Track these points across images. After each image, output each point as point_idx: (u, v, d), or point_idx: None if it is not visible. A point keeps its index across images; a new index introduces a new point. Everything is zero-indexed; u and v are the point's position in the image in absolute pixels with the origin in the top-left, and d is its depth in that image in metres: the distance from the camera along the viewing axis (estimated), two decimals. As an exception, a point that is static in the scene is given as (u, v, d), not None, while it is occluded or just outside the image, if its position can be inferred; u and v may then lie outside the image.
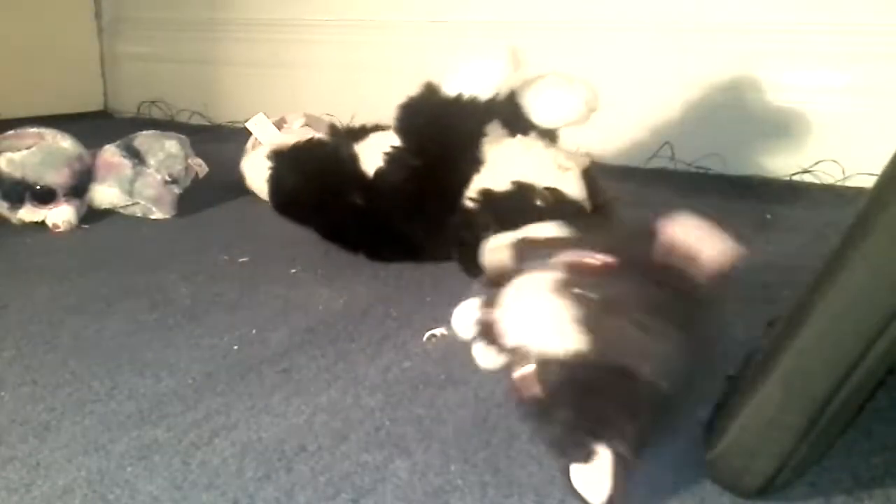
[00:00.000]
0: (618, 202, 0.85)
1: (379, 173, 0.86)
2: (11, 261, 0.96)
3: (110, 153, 1.15)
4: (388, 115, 0.85)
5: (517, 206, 0.79)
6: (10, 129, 1.15)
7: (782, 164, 1.30)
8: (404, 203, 0.84)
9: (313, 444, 0.55)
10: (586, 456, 0.45)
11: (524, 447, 0.53)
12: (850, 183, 1.23)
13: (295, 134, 1.16)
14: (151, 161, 1.14)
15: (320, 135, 1.05)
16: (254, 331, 0.73)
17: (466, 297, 0.56)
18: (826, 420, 0.44)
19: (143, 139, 1.18)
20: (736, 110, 1.35)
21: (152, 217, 1.14)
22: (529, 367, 0.48)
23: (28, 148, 1.10)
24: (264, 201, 1.00)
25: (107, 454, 0.54)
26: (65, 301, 0.81)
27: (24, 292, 0.84)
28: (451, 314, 0.57)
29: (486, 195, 0.81)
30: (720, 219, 0.53)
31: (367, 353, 0.69)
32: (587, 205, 0.82)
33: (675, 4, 1.40)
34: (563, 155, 0.84)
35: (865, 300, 0.42)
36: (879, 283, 0.42)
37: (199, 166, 1.18)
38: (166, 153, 1.15)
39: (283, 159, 0.93)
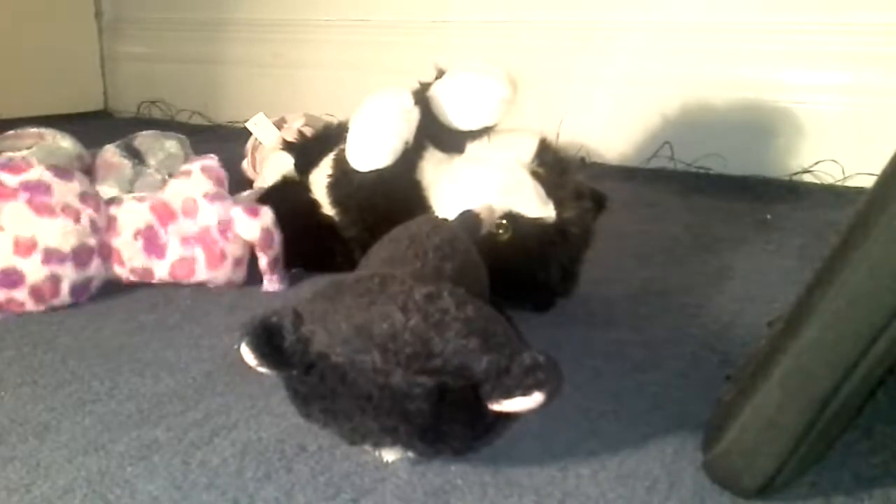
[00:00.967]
0: (586, 203, 0.77)
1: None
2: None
3: (110, 153, 1.15)
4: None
5: (483, 250, 0.67)
6: (11, 129, 1.16)
7: (782, 164, 1.30)
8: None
9: (313, 444, 0.55)
10: None
11: (524, 447, 0.53)
12: (850, 183, 1.23)
13: (292, 132, 1.16)
14: (151, 161, 1.14)
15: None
16: (254, 331, 0.73)
17: None
18: (826, 420, 0.44)
19: (143, 139, 1.18)
20: (736, 110, 1.35)
21: (152, 217, 1.14)
22: None
23: (28, 148, 1.10)
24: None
25: (107, 454, 0.54)
26: (65, 301, 0.81)
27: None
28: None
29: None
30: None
31: (367, 353, 0.69)
32: (552, 217, 0.73)
33: (674, 4, 1.40)
34: (506, 168, 0.75)
35: (865, 300, 0.42)
36: (879, 282, 0.42)
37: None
38: (166, 153, 1.15)
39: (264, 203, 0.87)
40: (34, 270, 0.74)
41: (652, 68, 1.43)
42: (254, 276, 0.88)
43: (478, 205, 0.71)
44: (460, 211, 0.71)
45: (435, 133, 0.78)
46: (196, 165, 0.83)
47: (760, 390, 0.45)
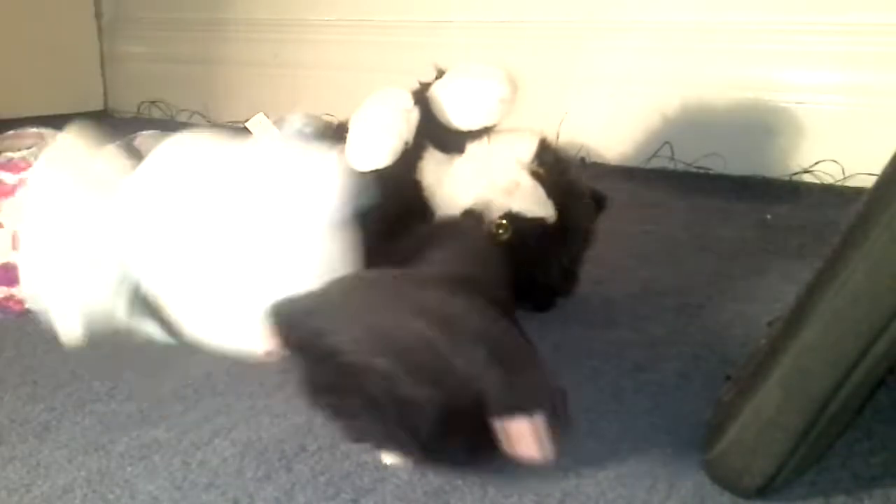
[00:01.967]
0: (586, 203, 0.77)
1: None
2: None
3: (110, 153, 1.15)
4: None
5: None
6: (10, 129, 1.15)
7: (782, 164, 1.30)
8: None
9: (313, 444, 0.55)
10: None
11: (524, 447, 0.53)
12: (850, 183, 1.23)
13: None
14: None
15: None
16: (254, 331, 0.73)
17: None
18: (826, 420, 0.44)
19: (143, 139, 1.18)
20: (736, 110, 1.35)
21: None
22: None
23: (28, 148, 1.10)
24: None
25: (107, 454, 0.54)
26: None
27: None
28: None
29: None
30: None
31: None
32: (552, 217, 0.73)
33: (674, 4, 1.40)
34: (505, 168, 0.75)
35: (865, 300, 0.42)
36: (879, 282, 0.42)
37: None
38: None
39: None
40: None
41: (652, 68, 1.43)
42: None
43: (478, 204, 0.71)
44: (463, 211, 0.71)
45: (435, 133, 0.78)
46: None
47: (760, 390, 0.45)
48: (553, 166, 0.77)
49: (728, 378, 0.53)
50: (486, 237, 0.66)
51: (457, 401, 0.45)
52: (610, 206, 0.82)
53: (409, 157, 0.76)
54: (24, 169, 0.77)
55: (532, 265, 0.73)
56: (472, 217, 0.70)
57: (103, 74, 2.23)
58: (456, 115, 0.77)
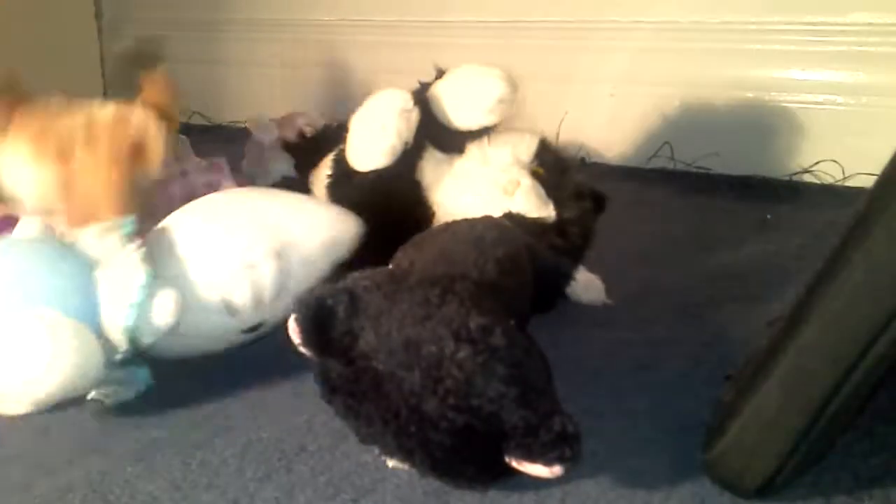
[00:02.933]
0: (586, 203, 0.77)
1: None
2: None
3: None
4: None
5: None
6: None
7: (782, 164, 1.30)
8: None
9: (313, 444, 0.55)
10: None
11: (524, 447, 0.53)
12: (850, 183, 1.23)
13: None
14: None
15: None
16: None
17: None
18: (826, 420, 0.44)
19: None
20: (736, 110, 1.35)
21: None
22: None
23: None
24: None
25: (107, 454, 0.54)
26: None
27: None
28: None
29: None
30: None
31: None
32: (552, 217, 0.73)
33: (674, 4, 1.40)
34: (504, 168, 0.75)
35: (865, 300, 0.42)
36: (879, 282, 0.42)
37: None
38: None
39: None
40: None
41: (652, 68, 1.42)
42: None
43: (481, 207, 0.71)
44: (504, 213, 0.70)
45: (435, 133, 0.78)
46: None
47: (760, 390, 0.45)
48: (553, 166, 0.77)
49: (728, 378, 0.53)
50: (525, 244, 0.66)
51: (478, 430, 0.45)
52: (610, 206, 0.82)
53: (409, 157, 0.76)
54: None
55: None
56: (513, 221, 0.70)
57: (103, 74, 2.23)
58: (456, 116, 0.77)
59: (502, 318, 0.48)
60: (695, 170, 1.36)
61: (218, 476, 0.51)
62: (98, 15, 2.21)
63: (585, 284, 0.74)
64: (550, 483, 0.49)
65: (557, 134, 1.38)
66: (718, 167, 1.34)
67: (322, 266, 0.65)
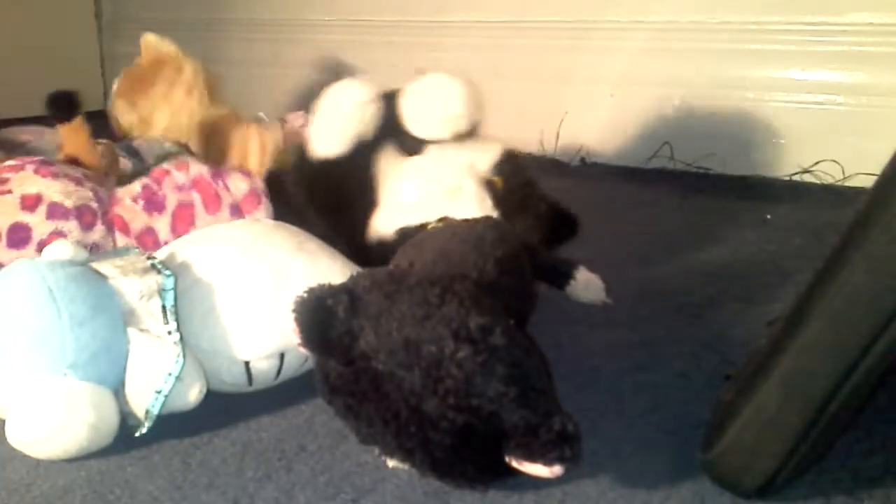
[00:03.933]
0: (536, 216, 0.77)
1: None
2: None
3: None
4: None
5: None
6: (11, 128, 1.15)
7: (782, 164, 1.30)
8: None
9: (313, 444, 0.55)
10: None
11: (524, 447, 0.53)
12: (850, 183, 1.23)
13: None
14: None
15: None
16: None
17: None
18: (826, 420, 0.44)
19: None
20: (736, 110, 1.35)
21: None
22: None
23: (26, 143, 1.10)
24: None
25: (107, 454, 0.54)
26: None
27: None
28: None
29: (381, 245, 0.74)
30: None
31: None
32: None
33: (674, 4, 1.40)
34: (454, 171, 0.75)
35: (865, 300, 0.42)
36: (879, 282, 0.42)
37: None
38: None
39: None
40: (39, 224, 0.76)
41: (652, 68, 1.43)
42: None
43: (420, 205, 0.73)
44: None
45: (397, 134, 0.79)
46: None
47: (760, 390, 0.45)
48: (510, 177, 0.77)
49: (728, 378, 0.53)
50: (525, 244, 0.66)
51: (478, 430, 0.45)
52: (610, 206, 0.82)
53: (367, 149, 0.78)
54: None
55: None
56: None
57: (103, 74, 2.23)
58: (412, 126, 0.78)
59: (502, 318, 0.48)
60: (694, 170, 1.36)
61: (218, 476, 0.51)
62: (98, 15, 2.21)
63: (585, 284, 0.75)
64: (550, 483, 0.49)
65: (557, 134, 1.39)
66: (718, 167, 1.34)
67: None
